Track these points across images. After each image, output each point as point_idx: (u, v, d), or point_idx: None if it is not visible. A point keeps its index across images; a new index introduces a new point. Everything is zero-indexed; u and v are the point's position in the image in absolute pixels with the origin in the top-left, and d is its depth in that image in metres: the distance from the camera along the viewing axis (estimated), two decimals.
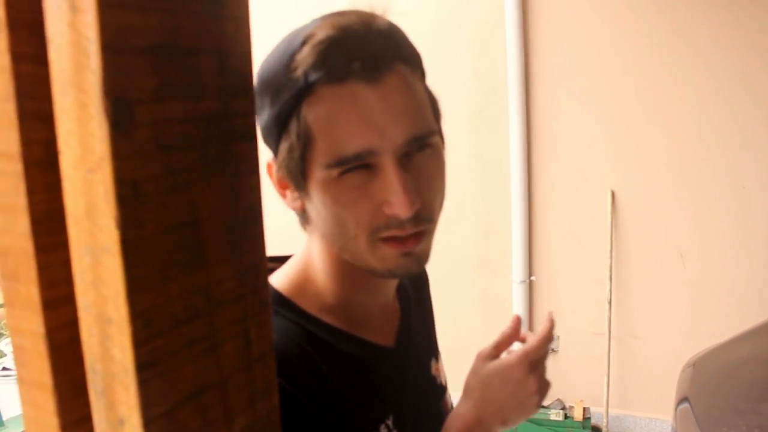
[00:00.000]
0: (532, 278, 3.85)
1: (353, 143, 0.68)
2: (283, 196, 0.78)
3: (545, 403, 3.84)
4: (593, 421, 3.62)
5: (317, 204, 0.73)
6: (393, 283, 0.87)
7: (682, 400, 2.20)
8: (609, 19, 3.51)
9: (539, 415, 3.61)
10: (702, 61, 3.37)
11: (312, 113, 0.69)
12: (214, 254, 0.33)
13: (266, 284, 0.37)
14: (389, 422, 0.82)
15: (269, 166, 0.76)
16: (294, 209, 0.79)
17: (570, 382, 3.88)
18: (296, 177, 0.73)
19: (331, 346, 0.78)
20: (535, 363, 0.83)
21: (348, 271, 0.80)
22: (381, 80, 0.69)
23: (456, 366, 4.18)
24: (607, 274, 3.63)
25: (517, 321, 0.90)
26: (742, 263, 3.44)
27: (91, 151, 0.28)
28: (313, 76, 0.68)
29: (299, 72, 0.68)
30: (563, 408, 3.68)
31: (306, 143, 0.70)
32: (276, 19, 3.87)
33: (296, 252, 0.85)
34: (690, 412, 2.06)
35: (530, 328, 3.90)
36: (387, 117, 0.68)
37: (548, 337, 0.86)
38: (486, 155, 3.86)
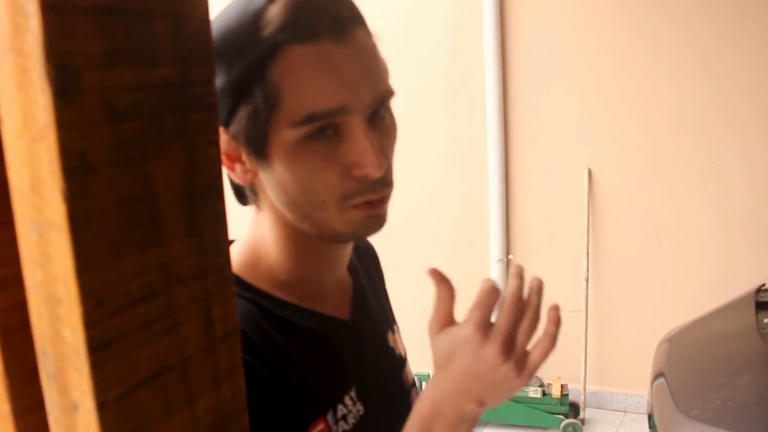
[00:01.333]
0: (510, 257, 3.86)
1: (326, 99, 0.67)
2: (231, 169, 0.74)
3: None
4: (571, 398, 3.65)
5: (280, 172, 0.70)
6: (347, 255, 0.85)
7: (658, 375, 2.22)
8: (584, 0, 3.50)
9: (517, 393, 3.64)
10: (678, 39, 3.37)
11: (281, 73, 0.67)
12: (171, 230, 0.31)
13: (229, 262, 0.35)
14: (352, 394, 0.81)
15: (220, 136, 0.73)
16: (244, 182, 0.75)
17: (548, 359, 3.91)
18: (258, 144, 0.70)
19: (287, 320, 0.77)
20: (493, 329, 0.71)
21: (302, 243, 0.78)
22: (349, 40, 0.69)
23: None
24: (584, 251, 3.65)
25: (436, 274, 0.77)
26: (717, 240, 3.47)
27: (34, 119, 0.26)
28: (283, 36, 0.66)
29: (267, 31, 0.66)
30: (541, 385, 3.70)
31: (273, 105, 0.68)
32: None
33: (240, 232, 0.83)
34: (665, 387, 2.08)
35: None
36: (357, 76, 0.68)
37: (494, 288, 0.75)
38: (463, 135, 3.85)
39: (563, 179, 3.69)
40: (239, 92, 0.69)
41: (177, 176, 0.32)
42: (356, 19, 0.71)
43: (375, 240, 0.91)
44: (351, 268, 0.92)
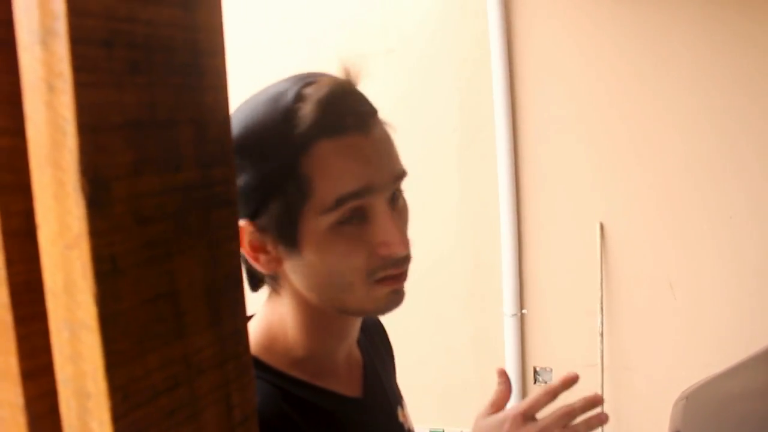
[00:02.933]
0: (524, 311, 3.84)
1: (353, 182, 0.72)
2: (255, 259, 0.77)
3: None
4: None
5: (309, 259, 0.74)
6: (357, 327, 0.87)
7: None
8: (594, 52, 3.56)
9: None
10: (687, 93, 3.41)
11: (312, 166, 0.72)
12: (193, 323, 0.33)
13: (248, 348, 0.37)
14: None
15: (242, 228, 0.75)
16: (267, 271, 0.78)
17: None
18: (289, 233, 0.73)
19: (304, 400, 0.79)
20: (531, 416, 0.83)
21: (320, 320, 0.81)
22: (371, 131, 0.74)
23: (449, 401, 4.15)
24: (598, 305, 3.63)
25: (503, 374, 0.89)
26: (732, 293, 3.45)
27: (69, 228, 0.28)
28: (314, 133, 0.71)
29: (300, 129, 0.71)
30: None
31: (305, 196, 0.72)
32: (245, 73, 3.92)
33: (256, 313, 0.85)
34: None
35: (523, 361, 3.88)
36: (379, 161, 0.74)
37: (550, 392, 0.86)
38: (474, 189, 3.88)
39: (575, 233, 3.69)
40: (271, 187, 0.73)
41: (199, 272, 0.34)
42: (374, 112, 0.77)
43: None
44: (360, 344, 0.93)
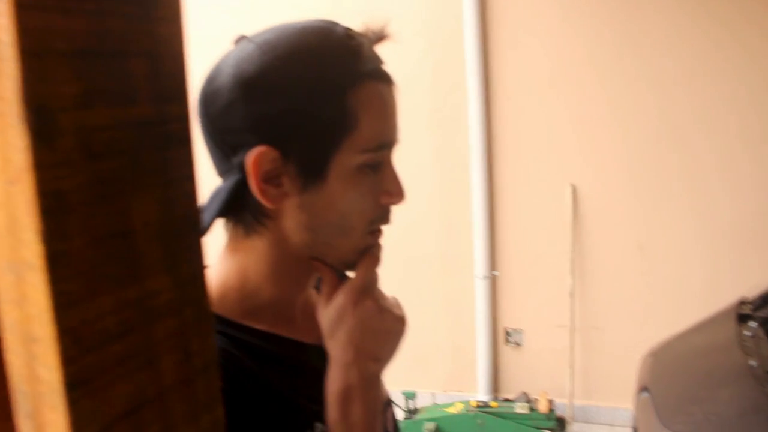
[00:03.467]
0: (495, 273, 3.87)
1: (391, 132, 0.78)
2: (263, 191, 0.75)
3: (510, 396, 3.88)
4: (558, 413, 3.65)
5: (331, 194, 0.76)
6: (313, 281, 0.88)
7: (643, 389, 2.23)
8: (567, 14, 3.54)
9: (505, 408, 3.64)
10: (660, 56, 3.41)
11: (360, 102, 0.74)
12: (148, 265, 0.32)
13: (206, 295, 0.36)
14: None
15: (261, 156, 0.73)
16: (271, 204, 0.76)
17: (534, 374, 3.92)
18: (319, 165, 0.75)
19: (259, 347, 0.79)
20: (366, 290, 0.79)
21: (289, 267, 0.82)
22: (393, 85, 0.80)
23: (421, 364, 4.19)
24: (569, 267, 3.67)
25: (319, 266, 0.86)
26: (700, 253, 3.50)
27: (11, 162, 0.27)
28: (369, 69, 0.76)
29: (360, 63, 0.75)
30: (528, 401, 3.70)
31: (349, 129, 0.74)
32: (209, 20, 3.84)
33: (214, 261, 0.84)
34: (649, 401, 2.09)
35: (494, 322, 3.93)
36: (397, 115, 0.79)
37: (369, 264, 0.82)
38: (447, 152, 3.87)
39: (547, 196, 3.71)
40: (314, 114, 0.73)
41: (154, 212, 0.32)
42: None
43: None
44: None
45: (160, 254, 0.33)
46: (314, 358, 0.85)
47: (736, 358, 2.08)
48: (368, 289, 0.79)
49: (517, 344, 3.95)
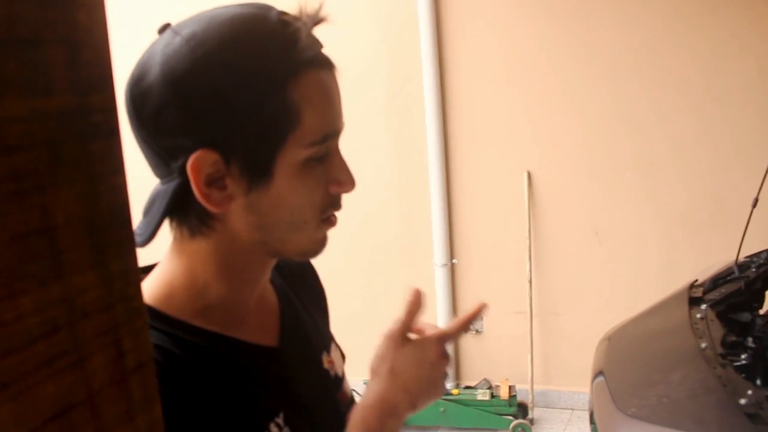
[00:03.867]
0: (454, 261, 3.89)
1: (335, 119, 0.75)
2: (207, 196, 0.71)
3: (471, 383, 3.91)
4: (519, 398, 3.70)
5: (279, 191, 0.73)
6: (267, 277, 0.86)
7: (598, 373, 2.26)
8: (521, 2, 3.56)
9: (466, 395, 3.66)
10: (613, 43, 3.45)
11: (300, 95, 0.71)
12: (74, 262, 0.31)
13: (139, 290, 0.35)
14: (279, 420, 0.80)
15: (199, 160, 0.70)
16: (217, 208, 0.73)
17: (495, 361, 3.96)
18: (264, 163, 0.72)
19: (205, 349, 0.76)
20: (436, 336, 0.85)
21: (239, 266, 0.80)
22: (335, 71, 0.76)
23: None
24: (527, 254, 3.71)
25: (416, 293, 0.89)
26: (655, 238, 3.57)
27: None
28: (308, 58, 0.72)
29: (298, 53, 0.71)
30: (489, 387, 3.74)
31: (292, 123, 0.71)
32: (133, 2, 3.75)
33: (161, 260, 0.82)
34: (605, 385, 2.12)
35: (454, 310, 3.95)
36: (341, 102, 0.77)
37: (469, 319, 0.88)
38: (403, 141, 3.87)
39: (503, 183, 3.74)
40: (254, 111, 0.70)
41: (78, 207, 0.31)
42: None
43: None
44: (279, 290, 0.91)
45: (86, 250, 0.31)
46: (264, 360, 0.83)
47: (688, 341, 2.12)
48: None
49: (477, 331, 3.98)
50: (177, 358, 0.73)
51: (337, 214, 0.81)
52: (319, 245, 0.79)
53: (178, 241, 0.78)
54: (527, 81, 3.61)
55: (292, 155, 0.72)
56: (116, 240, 0.33)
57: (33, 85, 0.29)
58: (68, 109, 0.30)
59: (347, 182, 0.77)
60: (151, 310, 0.75)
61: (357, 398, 0.90)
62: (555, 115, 3.60)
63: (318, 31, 0.76)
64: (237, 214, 0.74)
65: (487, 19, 3.63)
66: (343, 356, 1.01)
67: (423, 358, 0.82)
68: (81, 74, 0.31)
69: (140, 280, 0.35)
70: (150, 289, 0.78)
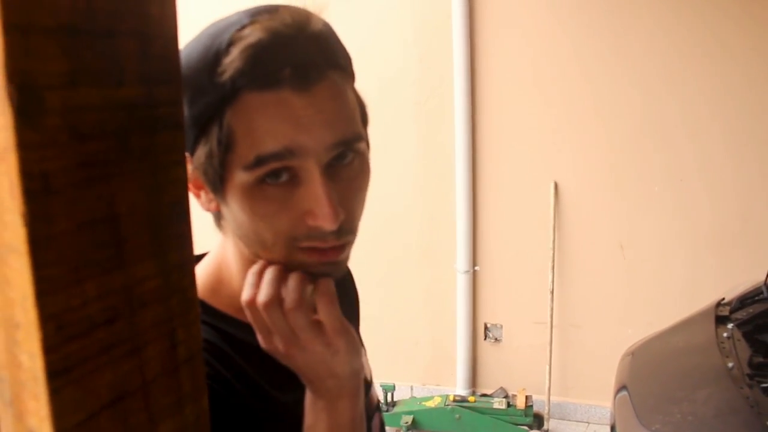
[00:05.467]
0: (476, 268, 3.88)
1: (272, 142, 0.65)
2: (197, 195, 0.73)
3: (488, 391, 3.89)
4: (535, 409, 3.68)
5: (235, 210, 0.69)
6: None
7: (621, 388, 2.24)
8: (553, 12, 3.54)
9: (482, 403, 3.65)
10: (645, 56, 3.43)
11: (236, 119, 0.66)
12: (135, 252, 0.31)
13: (194, 283, 0.35)
14: None
15: (187, 164, 0.72)
16: (208, 210, 0.75)
17: (512, 370, 3.94)
18: (214, 182, 0.69)
19: (249, 344, 0.75)
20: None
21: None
22: (311, 88, 0.67)
23: (400, 357, 4.19)
24: (550, 264, 3.68)
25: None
26: (679, 253, 3.53)
27: None
28: (241, 83, 0.65)
29: (226, 77, 0.65)
30: (506, 396, 3.73)
31: (227, 148, 0.67)
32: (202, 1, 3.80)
33: (210, 250, 0.82)
34: (628, 400, 2.10)
35: (474, 317, 3.94)
36: (313, 121, 0.66)
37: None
38: (431, 146, 3.87)
39: (530, 192, 3.72)
40: (198, 129, 0.68)
41: (141, 197, 0.31)
42: (328, 63, 0.69)
43: None
44: None
45: (147, 240, 0.32)
46: None
47: (714, 360, 2.10)
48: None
49: (497, 340, 3.97)
50: (222, 351, 0.74)
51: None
52: (314, 270, 0.70)
53: (221, 234, 0.80)
54: (558, 91, 3.59)
55: (236, 178, 0.67)
56: (175, 232, 0.33)
57: (106, 76, 0.29)
58: (137, 100, 0.31)
59: (321, 216, 0.66)
60: (200, 302, 0.75)
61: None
62: (584, 126, 3.58)
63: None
64: (227, 219, 0.74)
65: (520, 27, 3.62)
66: None
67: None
68: (151, 66, 0.31)
69: (194, 272, 0.36)
70: (199, 279, 0.78)
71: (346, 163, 0.70)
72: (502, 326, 3.95)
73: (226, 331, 0.76)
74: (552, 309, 3.72)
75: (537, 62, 3.61)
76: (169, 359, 0.34)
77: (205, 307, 0.76)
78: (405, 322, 4.03)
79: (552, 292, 3.70)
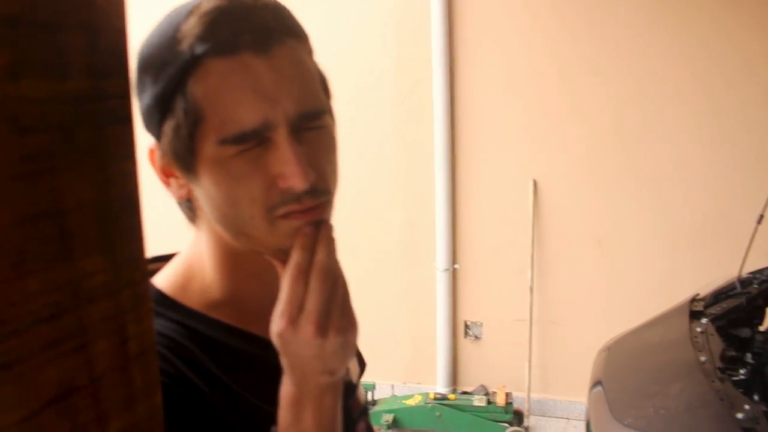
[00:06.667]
0: (456, 266, 3.89)
1: (250, 117, 0.65)
2: (167, 184, 0.73)
3: (468, 389, 3.90)
4: (515, 405, 3.69)
5: (208, 185, 0.68)
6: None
7: (596, 383, 2.26)
8: (531, 12, 3.56)
9: (463, 401, 3.66)
10: (619, 55, 3.45)
11: (200, 87, 0.65)
12: (82, 246, 0.31)
13: (145, 277, 0.35)
14: None
15: (151, 153, 0.71)
16: (179, 198, 0.74)
17: (492, 368, 3.95)
18: (184, 158, 0.68)
19: (219, 342, 0.75)
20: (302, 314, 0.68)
21: (239, 261, 0.76)
22: (271, 52, 0.66)
23: (381, 355, 4.18)
24: (529, 261, 3.70)
25: None
26: (657, 250, 3.56)
27: None
28: (201, 49, 0.64)
29: (185, 44, 0.65)
30: (486, 393, 3.73)
31: (195, 120, 0.66)
32: None
33: (181, 250, 0.81)
34: (602, 395, 2.12)
35: (454, 315, 3.94)
36: (279, 87, 0.66)
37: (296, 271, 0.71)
38: (410, 145, 3.87)
39: (509, 190, 3.73)
40: (163, 106, 0.67)
41: (89, 191, 0.31)
42: (287, 32, 0.69)
43: None
44: None
45: (95, 235, 0.31)
46: (277, 358, 0.79)
47: (687, 354, 2.12)
48: (300, 314, 0.67)
49: (476, 337, 3.98)
50: (184, 348, 0.72)
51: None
52: (292, 240, 0.69)
53: (191, 228, 0.78)
54: (536, 90, 3.61)
55: (207, 151, 0.67)
56: (125, 226, 0.33)
57: (51, 68, 0.29)
58: (84, 93, 0.30)
59: (291, 176, 0.66)
60: (167, 299, 0.74)
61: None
62: (562, 124, 3.60)
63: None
64: (201, 205, 0.73)
65: (498, 27, 3.63)
66: (363, 365, 0.98)
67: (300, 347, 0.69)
68: (98, 59, 0.31)
69: (147, 266, 0.35)
70: (168, 276, 0.77)
71: (313, 128, 0.70)
72: (482, 324, 3.96)
73: (192, 327, 0.74)
74: (531, 306, 3.74)
75: (515, 61, 3.62)
76: (119, 354, 0.33)
77: (173, 304, 0.75)
78: (385, 321, 4.03)
79: (531, 290, 3.72)
